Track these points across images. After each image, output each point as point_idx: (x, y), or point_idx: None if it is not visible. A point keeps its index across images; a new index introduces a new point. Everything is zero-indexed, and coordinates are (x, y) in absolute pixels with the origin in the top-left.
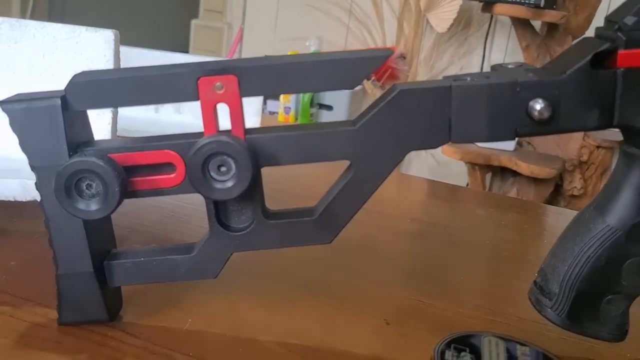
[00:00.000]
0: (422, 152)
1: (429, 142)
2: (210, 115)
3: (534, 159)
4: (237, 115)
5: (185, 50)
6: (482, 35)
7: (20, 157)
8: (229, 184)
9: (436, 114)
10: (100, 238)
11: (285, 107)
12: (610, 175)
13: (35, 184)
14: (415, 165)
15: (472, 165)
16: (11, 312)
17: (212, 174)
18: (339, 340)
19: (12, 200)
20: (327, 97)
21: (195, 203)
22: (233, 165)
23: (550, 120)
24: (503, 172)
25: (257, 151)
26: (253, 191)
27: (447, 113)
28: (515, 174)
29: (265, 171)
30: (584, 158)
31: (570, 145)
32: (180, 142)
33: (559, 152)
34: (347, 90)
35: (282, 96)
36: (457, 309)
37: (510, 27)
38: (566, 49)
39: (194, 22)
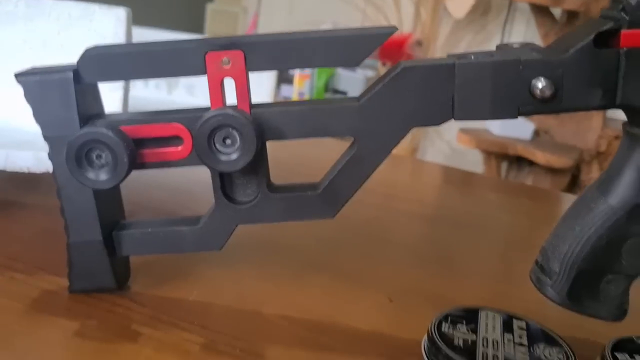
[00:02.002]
0: (437, 140)
1: (432, 119)
2: (216, 90)
3: (551, 148)
4: (243, 89)
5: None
6: (500, 23)
7: (34, 130)
8: (234, 156)
9: (439, 91)
10: (110, 208)
11: (300, 92)
12: (614, 156)
13: (48, 154)
14: (430, 154)
15: (488, 154)
16: (24, 279)
17: (217, 146)
18: (342, 315)
19: (27, 171)
20: (342, 82)
21: (201, 180)
22: (238, 138)
23: (553, 99)
24: (519, 161)
25: (262, 125)
26: (258, 165)
27: (450, 90)
28: (531, 163)
29: (271, 152)
30: (602, 148)
31: (588, 135)
32: (188, 115)
33: (576, 142)
34: (362, 76)
35: (296, 81)
36: (461, 289)
37: (530, 14)
38: (571, 29)
39: (209, 6)
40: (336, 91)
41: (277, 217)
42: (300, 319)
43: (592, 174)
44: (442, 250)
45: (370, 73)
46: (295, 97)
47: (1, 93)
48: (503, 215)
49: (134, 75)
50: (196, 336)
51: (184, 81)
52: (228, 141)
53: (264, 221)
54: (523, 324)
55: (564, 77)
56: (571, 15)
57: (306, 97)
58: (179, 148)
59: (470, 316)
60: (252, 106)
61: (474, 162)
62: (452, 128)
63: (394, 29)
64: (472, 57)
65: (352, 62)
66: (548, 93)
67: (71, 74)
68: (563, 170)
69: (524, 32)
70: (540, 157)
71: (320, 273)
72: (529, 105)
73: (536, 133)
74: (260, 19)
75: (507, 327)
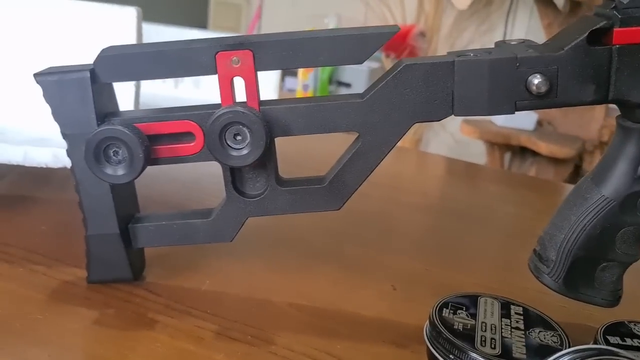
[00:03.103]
0: (441, 131)
1: (433, 115)
2: (227, 88)
3: (553, 138)
4: (252, 87)
5: (204, 27)
6: (503, 13)
7: (51, 128)
8: (244, 151)
9: (440, 87)
10: (125, 202)
11: (304, 85)
12: (607, 148)
13: (67, 151)
14: (434, 145)
15: (491, 144)
16: (44, 270)
17: (228, 142)
18: (347, 303)
19: (44, 167)
20: (346, 74)
21: (211, 175)
22: (248, 135)
23: (548, 94)
24: (522, 152)
25: (270, 121)
26: (267, 160)
27: (450, 87)
28: (534, 154)
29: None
30: (605, 138)
31: (591, 125)
32: (199, 112)
33: (579, 133)
34: (365, 68)
35: (300, 74)
36: (463, 277)
37: (533, 4)
38: (566, 26)
39: None
40: (340, 83)
41: (286, 209)
42: (308, 306)
43: (594, 163)
44: (445, 241)
45: (374, 65)
46: (299, 89)
47: (17, 93)
48: (506, 207)
49: (148, 75)
50: (209, 323)
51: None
52: (238, 137)
53: (273, 213)
54: (520, 310)
55: (559, 74)
56: (574, 5)
57: (310, 89)
58: (191, 144)
59: (469, 302)
60: (260, 103)
61: (477, 153)
62: (455, 119)
63: (396, 28)
64: (471, 55)
65: (357, 60)
66: (544, 89)
67: (88, 74)
68: (566, 160)
69: (527, 22)
70: (544, 147)
71: (326, 263)
72: (526, 101)
73: (539, 124)
74: (263, 11)
75: (505, 312)
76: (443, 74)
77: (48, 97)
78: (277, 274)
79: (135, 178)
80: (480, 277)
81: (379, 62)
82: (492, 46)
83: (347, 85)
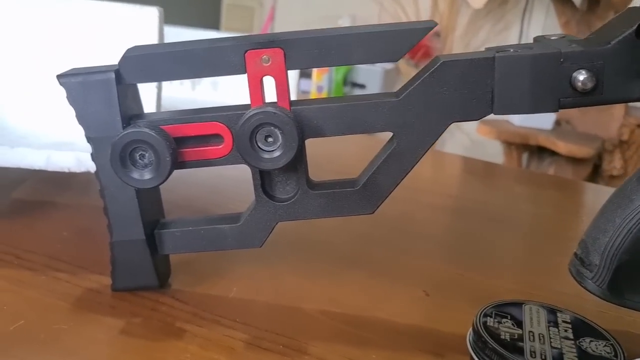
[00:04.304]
0: (457, 131)
1: (471, 114)
2: (256, 88)
3: (572, 138)
4: (282, 87)
5: (216, 29)
6: (519, 12)
7: (74, 131)
8: (276, 153)
9: (479, 85)
10: (151, 208)
11: (318, 86)
12: None
13: (91, 155)
14: (450, 145)
15: (508, 144)
16: (67, 278)
17: (259, 144)
18: (380, 310)
19: (67, 171)
20: (360, 75)
21: (234, 178)
22: (280, 136)
23: (594, 91)
24: (540, 152)
25: (302, 122)
26: (297, 162)
27: (489, 84)
28: (552, 153)
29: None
30: (624, 137)
31: (611, 124)
32: (228, 113)
33: (598, 131)
34: (380, 69)
35: (314, 75)
36: (496, 282)
37: (549, 2)
38: (610, 20)
39: (225, 0)
40: (355, 84)
41: (317, 213)
42: (340, 313)
43: (614, 163)
44: (473, 244)
45: (388, 66)
46: (313, 90)
47: (38, 95)
48: (531, 207)
49: (174, 75)
50: (239, 333)
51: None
52: (270, 139)
53: (304, 217)
54: (567, 317)
55: (605, 69)
56: (592, 2)
57: (324, 90)
58: (220, 146)
59: (514, 310)
60: (291, 103)
61: (493, 153)
62: None
63: (433, 23)
64: (512, 50)
65: (392, 58)
66: (589, 85)
67: (113, 75)
68: (585, 160)
69: (543, 21)
70: (562, 147)
71: (355, 268)
72: (570, 98)
73: (557, 123)
74: (276, 13)
75: (552, 320)
76: (482, 71)
77: (72, 99)
78: (305, 280)
79: (163, 182)
80: (514, 281)
81: (393, 63)
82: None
83: (362, 86)
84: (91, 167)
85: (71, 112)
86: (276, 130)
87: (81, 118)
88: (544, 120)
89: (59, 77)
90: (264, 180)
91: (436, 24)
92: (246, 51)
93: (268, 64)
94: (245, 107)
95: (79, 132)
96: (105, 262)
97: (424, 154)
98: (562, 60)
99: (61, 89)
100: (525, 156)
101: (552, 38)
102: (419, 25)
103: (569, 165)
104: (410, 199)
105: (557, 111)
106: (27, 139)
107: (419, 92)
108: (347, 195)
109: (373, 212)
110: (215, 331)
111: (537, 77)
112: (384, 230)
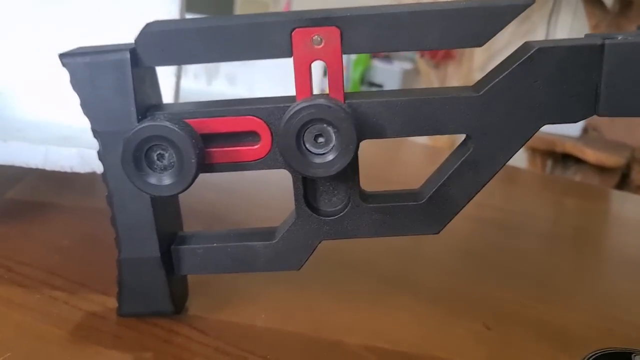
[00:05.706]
0: None
1: (569, 115)
2: (304, 75)
3: (601, 146)
4: (337, 75)
5: None
6: (545, 13)
7: (78, 124)
8: (329, 157)
9: (581, 79)
10: (168, 219)
11: None
12: None
13: (98, 152)
14: None
15: (533, 151)
16: (65, 298)
17: (307, 145)
18: (435, 346)
19: (69, 170)
20: (378, 75)
21: (255, 179)
22: (333, 136)
23: None
24: (564, 159)
25: (358, 119)
26: (349, 168)
27: (595, 78)
28: (577, 161)
29: None
30: None
31: None
32: (268, 106)
33: (627, 140)
34: (398, 69)
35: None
36: (566, 314)
37: (577, 3)
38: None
39: None
40: (372, 84)
41: (371, 231)
42: (389, 350)
43: None
44: (527, 265)
45: (407, 65)
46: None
47: (39, 80)
48: (579, 222)
49: (203, 57)
50: None
51: (224, 70)
52: (321, 139)
53: (354, 236)
54: None
55: None
56: (624, 3)
57: None
58: (255, 147)
59: None
60: (346, 96)
61: (514, 159)
62: None
63: (530, 0)
64: (620, 37)
65: (477, 42)
66: None
67: (128, 55)
68: (613, 169)
69: (570, 23)
70: (591, 155)
71: (402, 294)
72: None
73: (584, 130)
74: (292, 8)
75: None
76: (587, 61)
77: (77, 84)
78: (346, 307)
79: (185, 189)
80: (584, 313)
81: (412, 63)
82: None
83: (379, 86)
84: (97, 167)
85: (76, 99)
86: (329, 128)
87: (87, 107)
88: (572, 127)
89: (61, 56)
90: (306, 189)
91: (534, 1)
92: (293, 29)
93: (320, 46)
94: (288, 99)
95: (85, 124)
96: (112, 279)
97: (506, 164)
98: None
99: (64, 71)
100: (549, 163)
101: None
102: (510, 2)
103: (595, 174)
104: None
105: None
106: (25, 131)
107: (505, 86)
108: (409, 210)
109: (438, 232)
110: None
111: None
112: (426, 245)
